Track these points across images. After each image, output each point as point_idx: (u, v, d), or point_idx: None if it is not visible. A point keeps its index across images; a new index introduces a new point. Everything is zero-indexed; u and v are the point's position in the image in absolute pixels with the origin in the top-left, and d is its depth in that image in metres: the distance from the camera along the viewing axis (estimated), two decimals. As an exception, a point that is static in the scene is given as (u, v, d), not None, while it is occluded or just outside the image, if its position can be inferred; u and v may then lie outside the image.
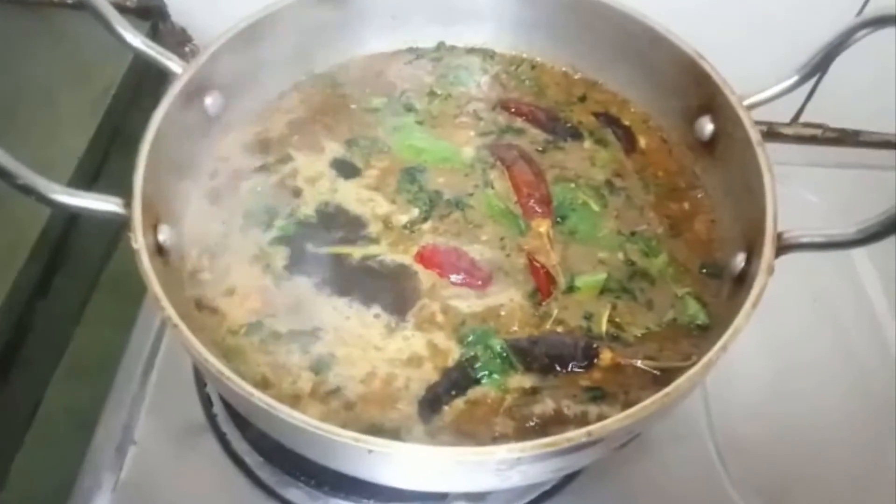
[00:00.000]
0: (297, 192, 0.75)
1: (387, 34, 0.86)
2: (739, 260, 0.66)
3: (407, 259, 0.71)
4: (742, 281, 0.65)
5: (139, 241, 0.59)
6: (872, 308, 0.90)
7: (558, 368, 0.65)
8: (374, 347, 0.65)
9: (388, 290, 0.69)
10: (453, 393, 0.63)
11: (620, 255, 0.72)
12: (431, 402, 0.62)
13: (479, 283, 0.70)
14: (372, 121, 0.82)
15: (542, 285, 0.69)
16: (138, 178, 0.62)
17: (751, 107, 0.69)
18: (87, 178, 0.89)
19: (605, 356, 0.65)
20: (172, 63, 0.70)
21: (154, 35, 1.03)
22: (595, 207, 0.76)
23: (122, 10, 0.99)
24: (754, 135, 0.67)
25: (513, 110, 0.84)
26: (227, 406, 0.77)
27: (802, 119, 1.10)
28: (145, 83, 0.99)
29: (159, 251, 0.63)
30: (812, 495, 0.79)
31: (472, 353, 0.65)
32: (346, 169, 0.78)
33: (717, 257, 0.72)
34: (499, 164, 0.79)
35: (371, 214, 0.74)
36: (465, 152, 0.80)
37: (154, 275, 0.57)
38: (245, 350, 0.65)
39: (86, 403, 0.81)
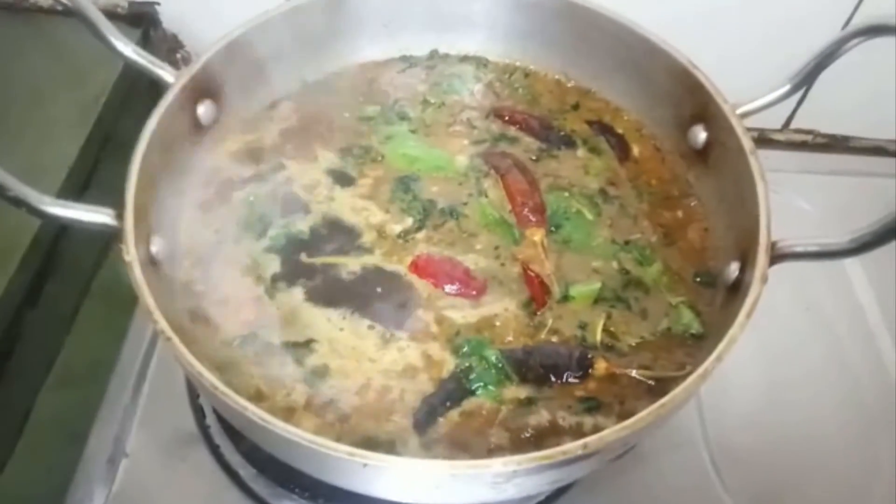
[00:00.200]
0: (292, 202, 0.75)
1: (380, 42, 0.86)
2: (733, 268, 0.66)
3: (401, 269, 0.71)
4: (736, 290, 0.65)
5: (131, 253, 0.58)
6: (865, 317, 0.91)
7: (553, 379, 0.65)
8: (369, 359, 0.65)
9: (382, 300, 0.68)
10: (448, 404, 0.63)
11: (615, 264, 0.72)
12: (426, 414, 0.62)
13: (474, 292, 0.69)
14: (365, 129, 0.82)
15: (537, 295, 0.69)
16: (130, 191, 0.61)
17: (743, 115, 0.70)
18: (78, 186, 0.88)
19: (600, 366, 0.65)
20: (164, 72, 0.69)
21: (145, 42, 1.03)
22: (589, 216, 0.76)
23: (113, 16, 0.98)
24: (747, 143, 0.68)
25: (506, 118, 0.84)
26: (221, 418, 0.77)
27: (793, 125, 1.10)
28: (137, 90, 0.98)
29: (152, 262, 0.63)
30: (806, 504, 0.79)
31: (467, 364, 0.65)
32: (339, 178, 0.77)
33: (711, 266, 0.72)
34: (493, 173, 0.79)
35: (365, 224, 0.74)
36: (459, 161, 0.80)
37: (147, 287, 0.57)
38: (239, 362, 0.64)
39: (77, 414, 0.81)
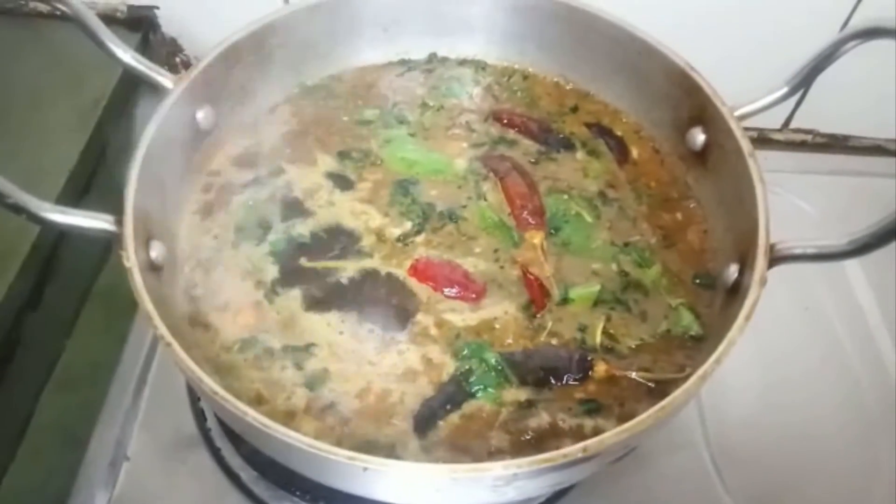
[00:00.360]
0: (291, 206, 0.75)
1: (379, 46, 0.86)
2: (732, 270, 0.67)
3: (401, 273, 0.71)
4: (735, 291, 0.65)
5: (131, 258, 0.58)
6: (865, 318, 0.91)
7: (553, 381, 0.65)
8: (369, 362, 0.65)
9: (381, 304, 0.69)
10: (448, 407, 0.63)
11: (614, 267, 0.72)
12: (426, 417, 0.62)
13: (473, 295, 0.70)
14: (364, 133, 0.82)
15: (537, 297, 0.69)
16: (129, 197, 0.61)
17: (741, 118, 0.70)
18: (78, 191, 0.89)
19: (600, 368, 0.65)
20: (163, 78, 0.70)
21: (145, 45, 1.03)
22: (588, 218, 0.76)
23: (113, 20, 0.99)
24: (746, 146, 0.68)
25: (505, 121, 0.84)
26: (222, 421, 0.77)
27: (793, 125, 1.10)
28: (136, 94, 0.98)
29: (151, 268, 0.63)
30: (806, 504, 0.79)
31: (467, 367, 0.65)
32: (339, 182, 0.77)
33: (710, 268, 0.72)
34: (491, 176, 0.79)
35: (364, 228, 0.74)
36: (458, 164, 0.80)
37: (146, 292, 0.57)
38: (239, 366, 0.64)
39: (78, 418, 0.81)
